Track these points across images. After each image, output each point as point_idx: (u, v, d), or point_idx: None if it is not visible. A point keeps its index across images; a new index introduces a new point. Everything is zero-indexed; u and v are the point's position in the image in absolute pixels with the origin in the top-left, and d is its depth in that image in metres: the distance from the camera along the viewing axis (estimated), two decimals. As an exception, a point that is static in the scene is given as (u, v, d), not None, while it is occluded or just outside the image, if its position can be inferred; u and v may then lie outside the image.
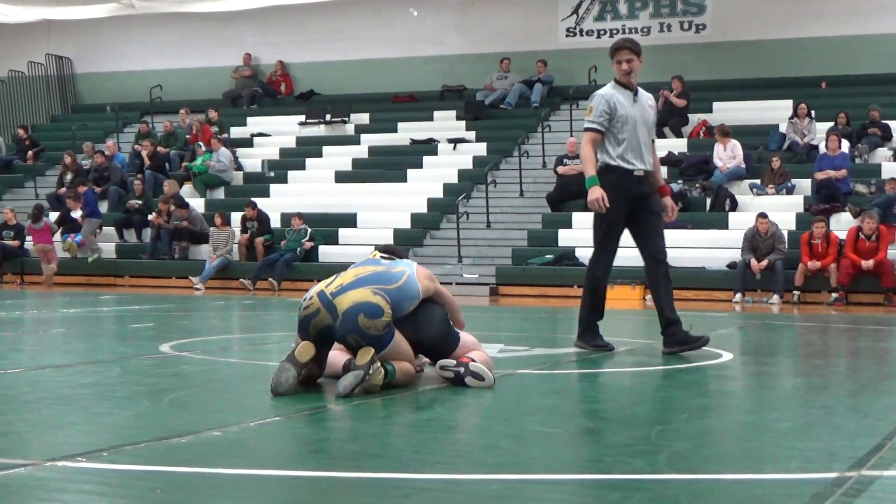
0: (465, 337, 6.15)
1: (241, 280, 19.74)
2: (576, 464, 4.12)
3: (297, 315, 5.76)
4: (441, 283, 6.32)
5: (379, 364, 5.58)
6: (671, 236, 18.47)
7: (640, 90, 8.09)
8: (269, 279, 19.60)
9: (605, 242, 8.04)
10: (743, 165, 19.93)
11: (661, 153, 21.05)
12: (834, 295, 16.64)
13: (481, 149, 23.29)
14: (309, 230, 20.22)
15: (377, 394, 5.52)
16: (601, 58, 24.63)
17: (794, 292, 17.02)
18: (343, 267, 6.19)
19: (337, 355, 5.97)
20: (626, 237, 8.10)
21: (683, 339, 7.88)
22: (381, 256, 6.14)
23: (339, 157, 24.03)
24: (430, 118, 25.08)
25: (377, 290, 5.69)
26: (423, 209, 21.41)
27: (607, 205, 7.75)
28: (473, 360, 5.95)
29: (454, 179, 22.27)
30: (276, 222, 21.21)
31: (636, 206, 7.98)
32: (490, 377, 5.91)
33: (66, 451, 4.06)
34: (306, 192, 22.72)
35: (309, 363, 5.65)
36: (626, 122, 7.89)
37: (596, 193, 7.76)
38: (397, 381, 5.76)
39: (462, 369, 5.91)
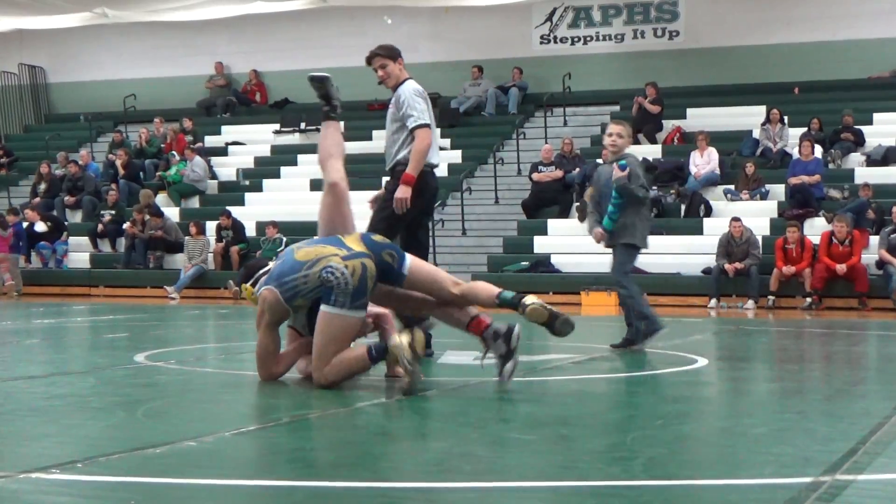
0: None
1: (225, 287, 19.52)
2: (551, 471, 4.12)
3: (340, 290, 6.09)
4: None
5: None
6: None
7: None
8: (245, 288, 19.43)
9: None
10: (717, 171, 19.99)
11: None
12: (808, 300, 16.72)
13: (456, 156, 23.30)
14: (284, 239, 20.16)
15: (351, 403, 5.51)
16: (575, 65, 25.14)
17: (769, 297, 17.08)
18: None
19: (299, 361, 6.26)
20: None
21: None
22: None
23: (314, 166, 23.56)
24: (405, 126, 25.00)
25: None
26: (399, 217, 21.33)
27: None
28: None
29: (429, 187, 22.20)
30: (251, 231, 21.14)
31: None
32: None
33: (40, 463, 4.04)
34: (281, 200, 22.66)
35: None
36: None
37: None
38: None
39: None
